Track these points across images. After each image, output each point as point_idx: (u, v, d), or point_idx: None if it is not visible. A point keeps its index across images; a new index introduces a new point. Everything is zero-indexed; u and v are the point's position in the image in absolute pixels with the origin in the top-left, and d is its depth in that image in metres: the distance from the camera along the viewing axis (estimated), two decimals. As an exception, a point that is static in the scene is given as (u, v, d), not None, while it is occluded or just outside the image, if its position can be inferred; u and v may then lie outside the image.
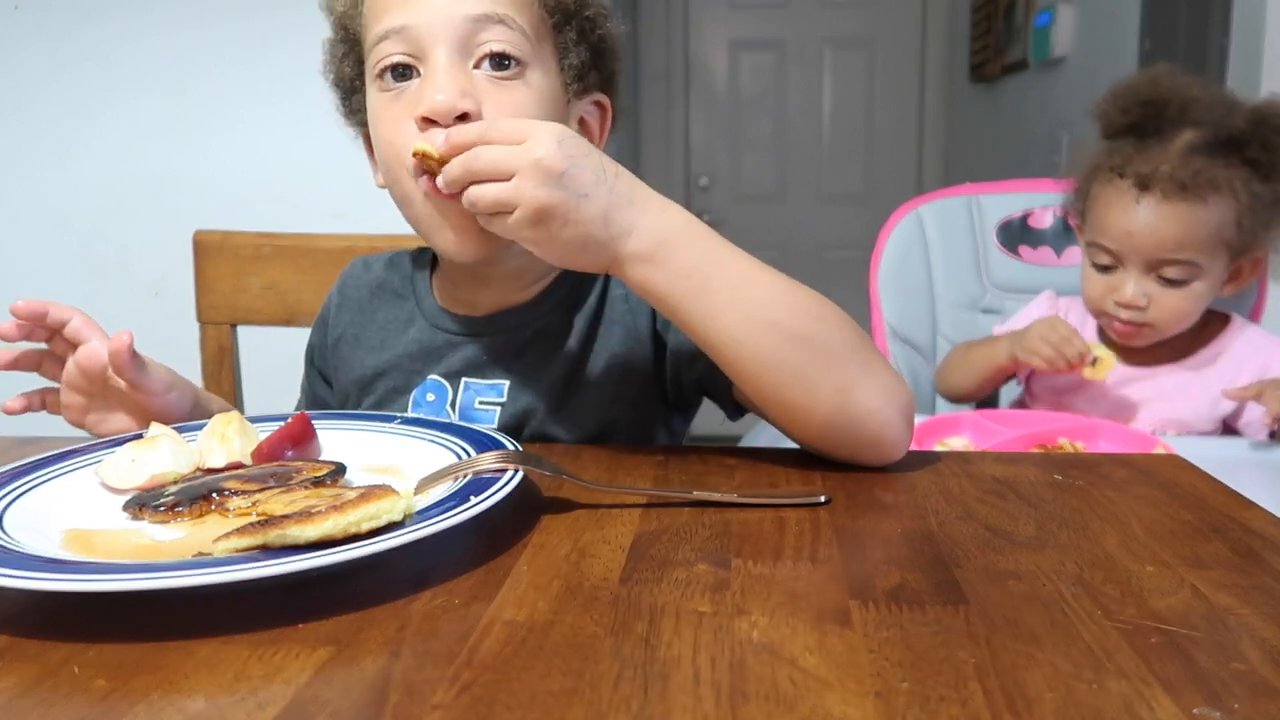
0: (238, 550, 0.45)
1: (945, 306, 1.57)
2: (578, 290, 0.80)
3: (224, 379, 1.16)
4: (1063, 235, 1.51)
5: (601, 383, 0.79)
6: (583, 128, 0.80)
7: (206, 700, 0.36)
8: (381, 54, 0.71)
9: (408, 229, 1.17)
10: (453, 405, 0.79)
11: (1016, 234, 1.56)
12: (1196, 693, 0.35)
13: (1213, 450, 1.06)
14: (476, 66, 0.70)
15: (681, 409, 0.85)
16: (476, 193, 0.60)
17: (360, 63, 0.77)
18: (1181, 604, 0.43)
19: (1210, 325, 1.23)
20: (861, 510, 0.56)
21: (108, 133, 1.85)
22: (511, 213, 0.59)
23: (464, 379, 0.80)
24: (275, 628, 0.41)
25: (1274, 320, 1.35)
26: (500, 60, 0.70)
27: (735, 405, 0.76)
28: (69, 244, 1.89)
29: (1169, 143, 1.14)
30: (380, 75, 0.71)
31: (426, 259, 0.87)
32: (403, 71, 0.70)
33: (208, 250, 1.15)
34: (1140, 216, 1.13)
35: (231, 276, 1.15)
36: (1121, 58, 2.24)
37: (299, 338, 1.17)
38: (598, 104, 0.81)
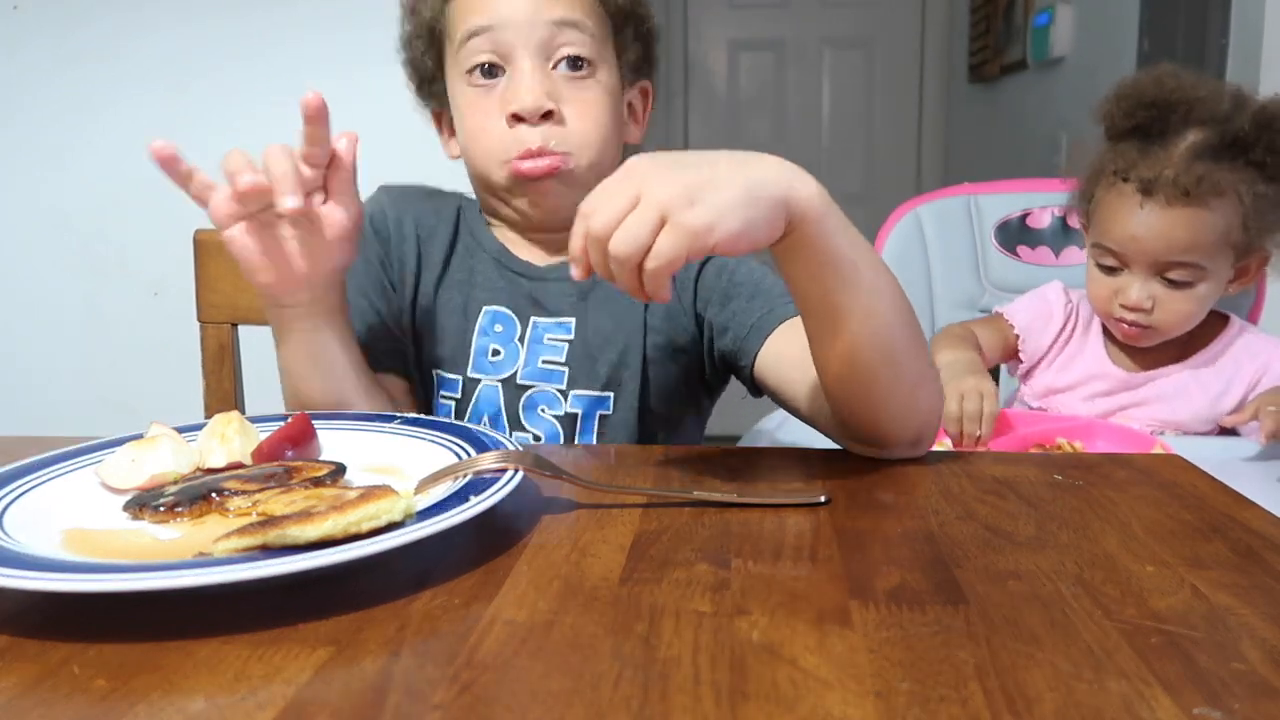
0: (238, 550, 0.45)
1: (944, 306, 1.58)
2: None
3: (225, 378, 1.16)
4: (1061, 235, 1.51)
5: (655, 339, 0.85)
6: (629, 112, 0.90)
7: (206, 700, 0.36)
8: (471, 51, 0.80)
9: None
10: (521, 340, 0.85)
11: (1015, 234, 1.56)
12: (1196, 693, 0.35)
13: (1213, 450, 1.06)
14: (554, 67, 0.80)
15: (711, 389, 0.91)
16: (620, 241, 0.53)
17: (440, 56, 0.86)
18: (1181, 604, 0.43)
19: (1209, 326, 1.22)
20: (861, 510, 0.56)
21: (107, 132, 1.85)
22: (664, 223, 0.52)
23: (532, 317, 0.85)
24: (275, 628, 0.41)
25: (1274, 320, 1.35)
26: (575, 62, 0.80)
27: (754, 384, 0.82)
28: (69, 244, 1.89)
29: (1173, 146, 1.13)
30: (469, 71, 0.81)
31: (478, 208, 0.92)
32: (490, 70, 0.80)
33: (209, 249, 1.15)
34: (1144, 221, 1.12)
35: (232, 276, 1.15)
36: (1120, 58, 2.24)
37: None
38: (641, 89, 0.91)
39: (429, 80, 0.89)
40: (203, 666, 0.38)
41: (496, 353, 0.84)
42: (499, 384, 0.83)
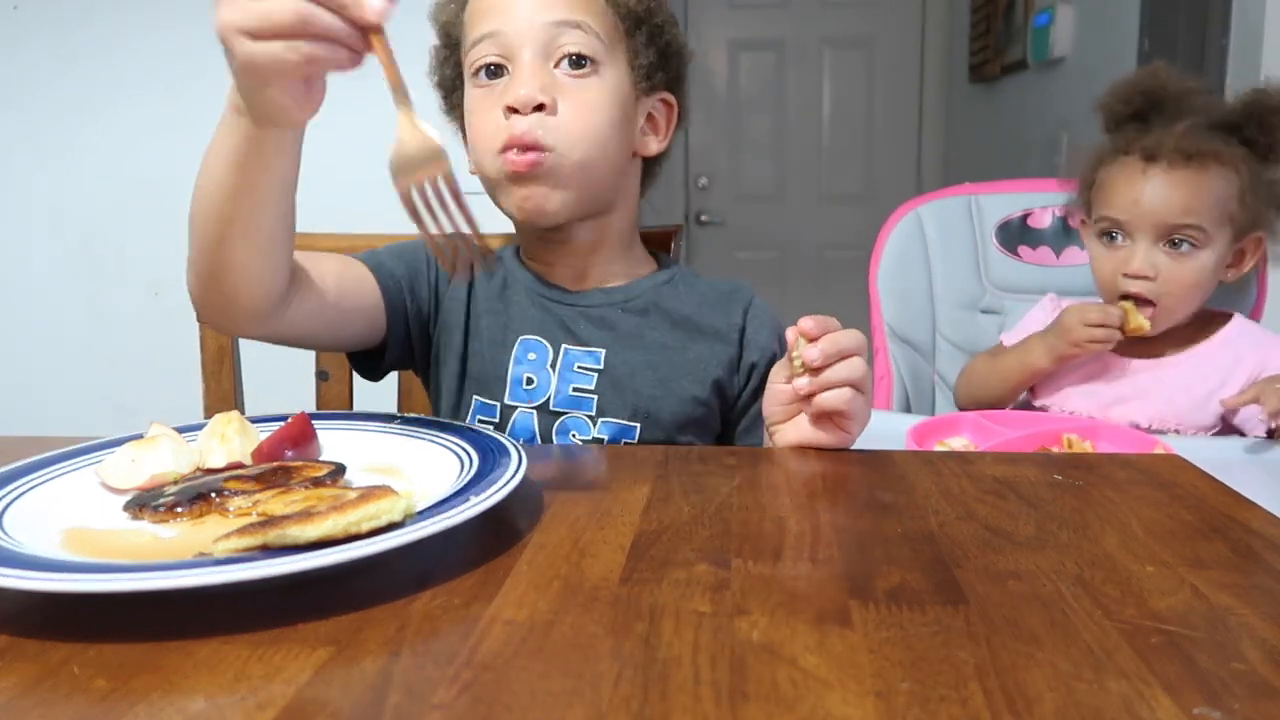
0: (238, 550, 0.45)
1: (945, 307, 1.57)
2: (661, 290, 0.91)
3: (224, 378, 1.16)
4: (1062, 235, 1.51)
5: (687, 381, 0.87)
6: (649, 122, 0.91)
7: (206, 700, 0.36)
8: (477, 55, 0.83)
9: (405, 230, 1.17)
10: (552, 366, 0.86)
11: (1016, 234, 1.56)
12: (1196, 693, 0.35)
13: (1213, 450, 1.06)
14: (556, 65, 0.82)
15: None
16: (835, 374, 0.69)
17: (459, 65, 0.89)
18: (1181, 604, 0.43)
19: (1212, 322, 1.24)
20: (861, 510, 0.56)
21: (107, 132, 1.85)
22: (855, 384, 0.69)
23: (563, 345, 0.87)
24: (275, 628, 0.41)
25: (1274, 320, 1.35)
26: (576, 60, 0.82)
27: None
28: (68, 244, 1.89)
29: (1172, 125, 1.18)
30: (475, 73, 0.84)
31: (514, 250, 0.95)
32: (495, 70, 0.82)
33: (207, 250, 1.15)
34: (1148, 185, 1.17)
35: (231, 276, 1.15)
36: (1121, 58, 2.24)
37: (298, 337, 1.17)
38: (665, 101, 0.91)
39: (451, 91, 0.92)
40: (203, 666, 0.38)
41: (530, 380, 0.86)
42: (534, 410, 0.85)
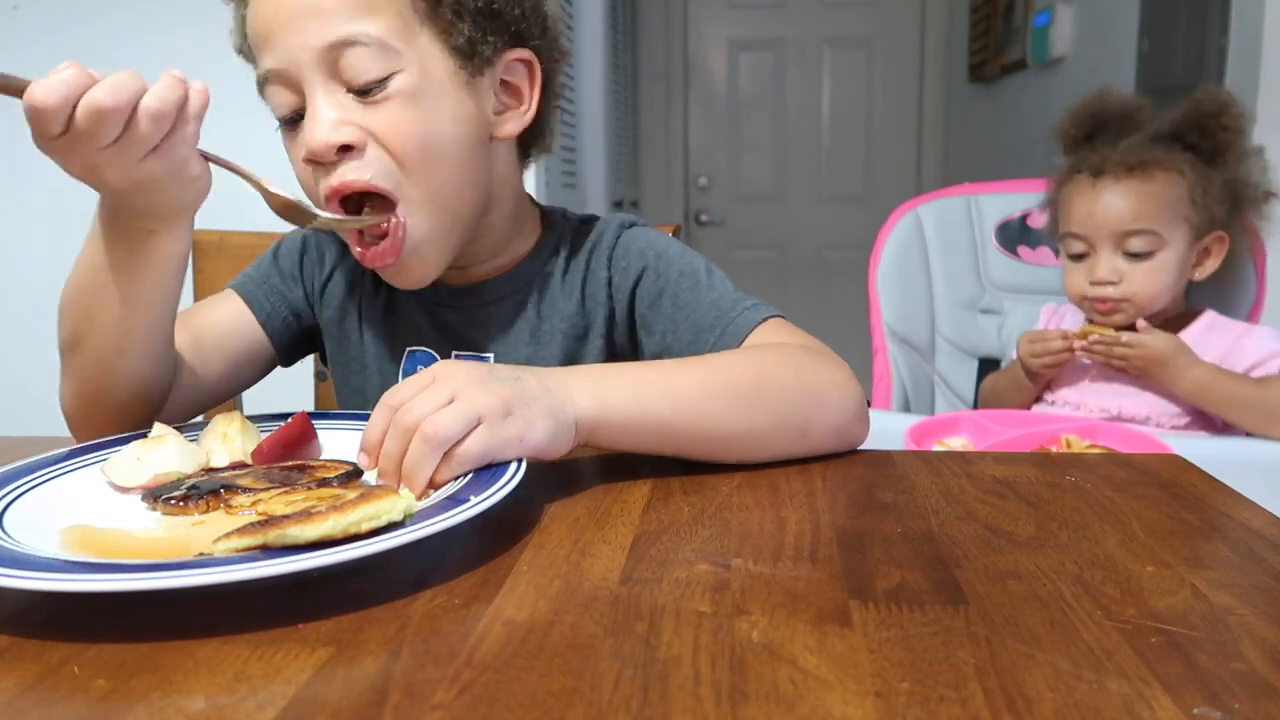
0: (238, 550, 0.45)
1: (944, 307, 1.58)
2: (548, 264, 0.83)
3: (223, 379, 1.16)
4: (1061, 236, 1.53)
5: (578, 363, 0.81)
6: (505, 93, 0.76)
7: (206, 700, 0.36)
8: (271, 102, 0.73)
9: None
10: None
11: (1015, 234, 1.56)
12: (1196, 693, 0.35)
13: (1213, 450, 1.06)
14: (349, 92, 0.69)
15: None
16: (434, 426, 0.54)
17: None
18: (1181, 604, 0.43)
19: (1185, 320, 1.31)
20: (861, 510, 0.56)
21: (107, 132, 1.85)
22: (476, 425, 0.55)
23: (454, 352, 0.83)
24: (275, 628, 0.41)
25: (1275, 320, 1.35)
26: (363, 89, 0.69)
27: None
28: (68, 244, 1.89)
29: (1117, 142, 1.31)
30: (279, 120, 0.74)
31: None
32: (295, 118, 0.72)
33: (206, 250, 1.15)
34: (1098, 197, 1.28)
35: (230, 276, 1.14)
36: (1120, 58, 2.25)
37: (298, 338, 1.17)
38: (519, 61, 0.76)
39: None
40: (203, 666, 0.38)
41: None
42: None
